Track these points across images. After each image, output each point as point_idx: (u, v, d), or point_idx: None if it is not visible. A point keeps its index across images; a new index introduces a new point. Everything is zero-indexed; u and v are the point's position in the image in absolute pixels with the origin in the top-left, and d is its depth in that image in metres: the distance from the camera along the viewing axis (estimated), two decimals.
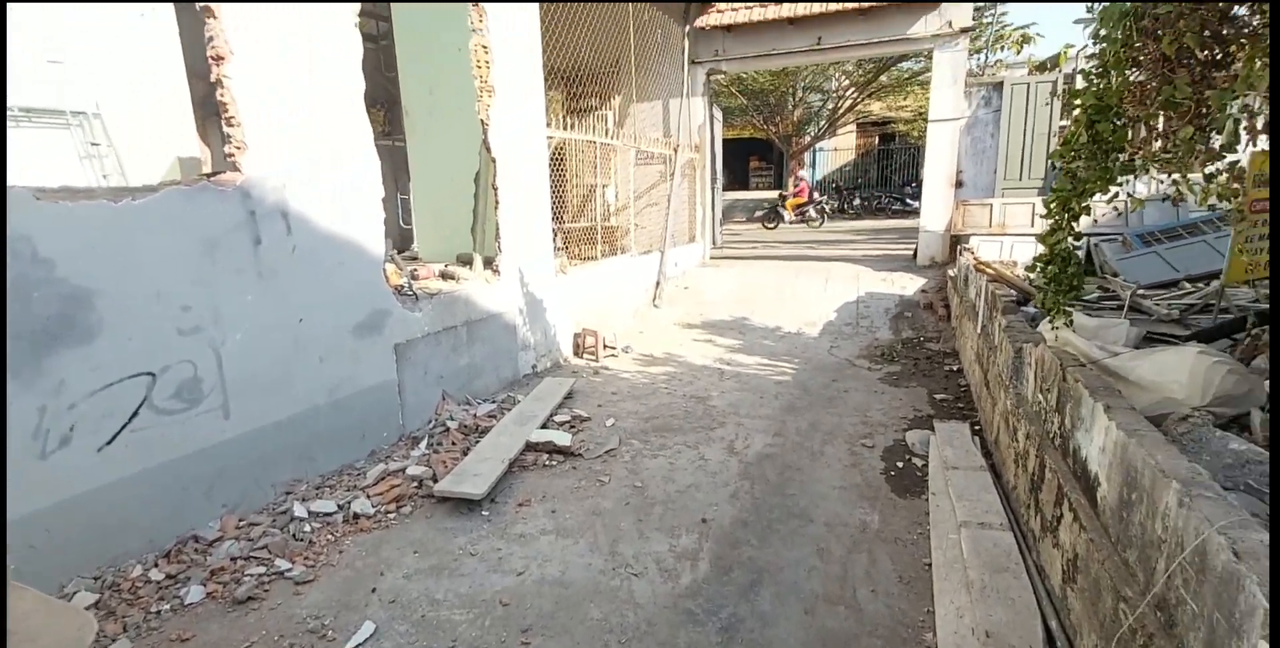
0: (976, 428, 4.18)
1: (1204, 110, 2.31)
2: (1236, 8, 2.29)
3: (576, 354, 6.49)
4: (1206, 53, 2.32)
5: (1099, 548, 2.09)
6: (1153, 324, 4.02)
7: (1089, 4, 2.62)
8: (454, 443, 4.16)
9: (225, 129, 3.22)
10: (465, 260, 5.59)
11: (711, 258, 10.32)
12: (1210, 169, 2.49)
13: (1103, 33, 2.57)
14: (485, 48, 5.02)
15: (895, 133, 20.19)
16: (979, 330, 4.74)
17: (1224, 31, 2.30)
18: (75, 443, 2.63)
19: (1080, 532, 2.27)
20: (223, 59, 3.14)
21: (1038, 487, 2.84)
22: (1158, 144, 2.65)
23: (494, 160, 5.17)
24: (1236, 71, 2.24)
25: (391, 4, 6.02)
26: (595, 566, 2.96)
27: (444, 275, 5.13)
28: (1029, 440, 3.03)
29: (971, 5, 8.05)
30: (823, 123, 17.97)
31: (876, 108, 18.92)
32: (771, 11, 9.00)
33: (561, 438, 4.15)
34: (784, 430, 4.44)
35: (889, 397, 5.06)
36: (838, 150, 21.62)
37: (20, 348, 2.43)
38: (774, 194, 21.58)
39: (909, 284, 7.79)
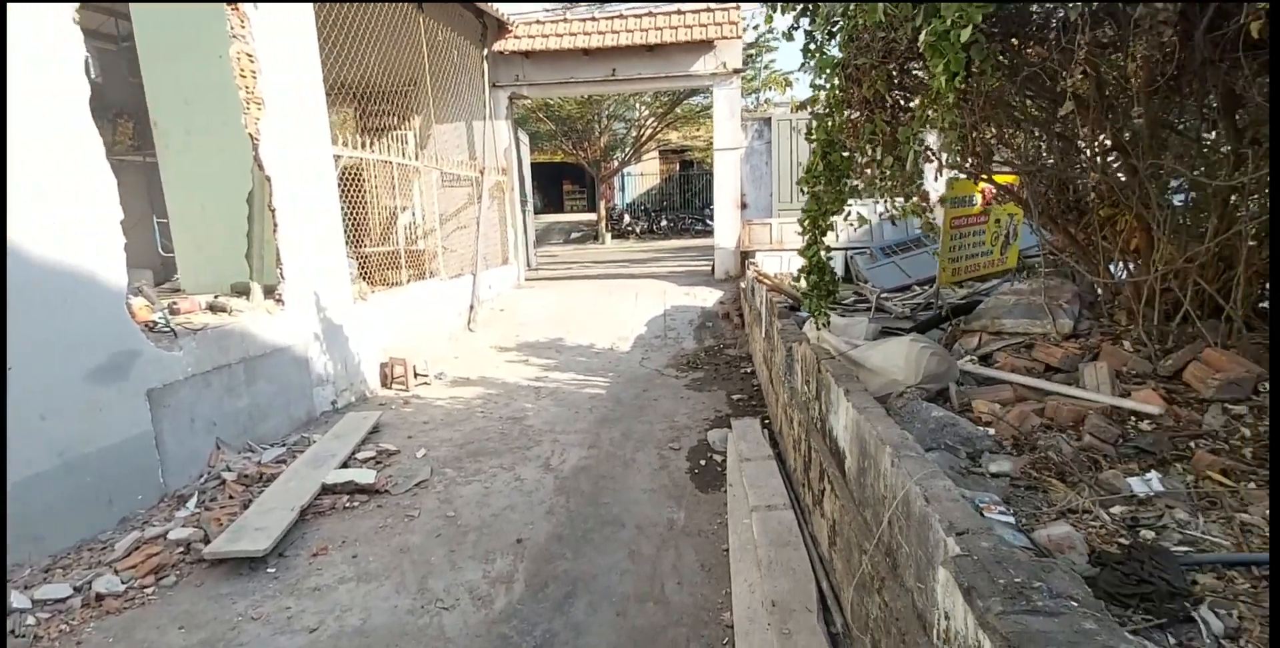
0: (766, 422, 4.66)
1: (898, 143, 2.86)
2: (911, 64, 2.89)
3: (385, 385, 6.09)
4: (895, 96, 2.87)
5: (848, 512, 2.45)
6: (892, 321, 4.81)
7: (806, 57, 3.12)
8: (231, 497, 3.67)
9: None
10: (241, 290, 5.00)
11: (527, 280, 10.32)
12: (905, 192, 3.07)
13: (818, 82, 3.07)
14: (250, 56, 4.59)
15: (693, 160, 21.92)
16: (764, 334, 5.30)
17: (904, 81, 2.88)
18: None
19: (836, 500, 2.64)
20: None
21: (809, 467, 3.24)
22: (870, 171, 3.22)
23: (269, 179, 4.72)
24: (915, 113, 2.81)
25: (129, 2, 5.27)
26: (402, 606, 2.79)
27: (213, 308, 4.54)
28: (800, 427, 3.45)
29: (740, 48, 9.09)
30: (628, 149, 18.96)
31: (675, 137, 20.40)
32: (567, 41, 9.36)
33: (364, 476, 3.86)
34: (598, 442, 4.56)
35: (693, 401, 5.44)
36: (644, 175, 22.92)
37: None
38: (588, 216, 22.27)
39: (709, 297, 8.48)
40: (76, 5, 3.39)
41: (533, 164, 12.84)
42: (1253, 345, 2.53)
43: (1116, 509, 1.99)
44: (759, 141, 9.36)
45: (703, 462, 4.18)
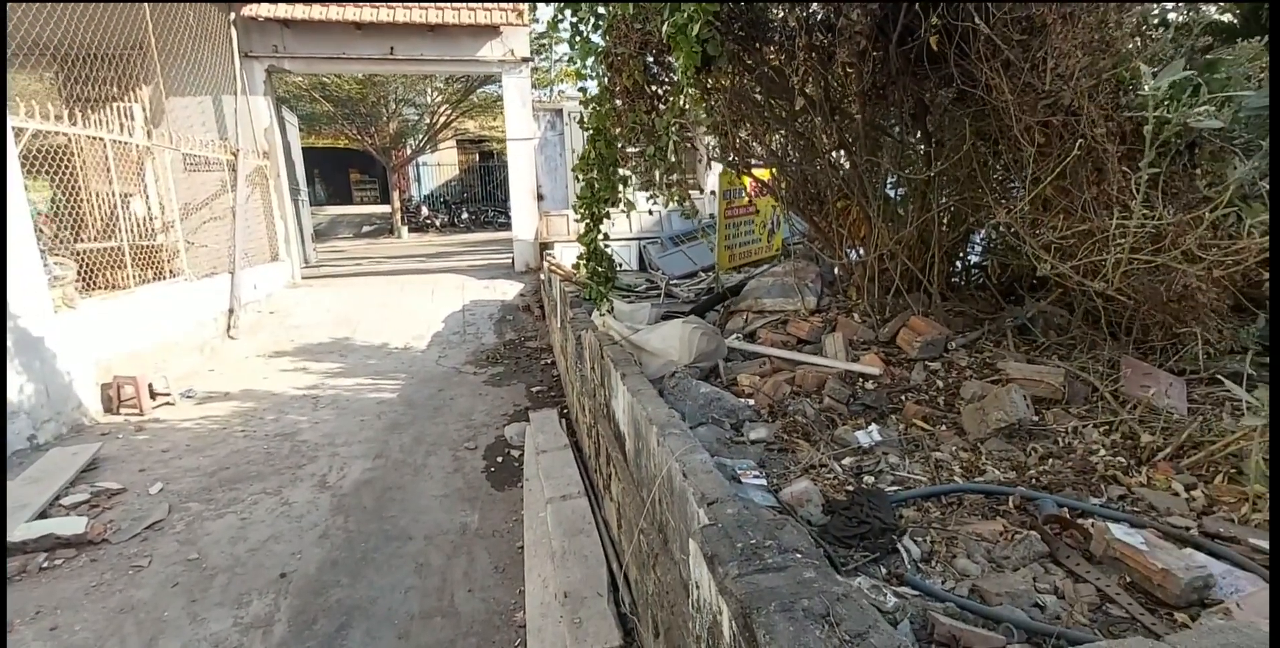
0: (565, 412, 4.64)
1: (657, 131, 2.95)
2: (666, 56, 3.00)
3: (111, 410, 5.01)
4: (651, 88, 2.96)
5: (629, 493, 2.50)
6: (678, 305, 5.06)
7: (571, 46, 3.10)
8: None
9: None
10: None
11: (304, 278, 9.21)
12: (669, 180, 3.20)
13: (583, 70, 3.07)
14: None
15: (493, 151, 21.31)
16: (560, 324, 5.28)
17: (660, 73, 2.98)
18: None
19: (619, 483, 2.69)
20: None
21: (599, 452, 3.27)
22: (637, 160, 3.31)
23: None
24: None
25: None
26: None
27: None
28: (591, 414, 3.47)
29: (528, 36, 8.94)
30: (421, 137, 17.82)
31: (472, 126, 19.62)
32: (335, 12, 8.44)
33: (69, 526, 3.12)
34: (386, 451, 4.20)
35: (492, 397, 5.25)
36: (441, 165, 21.76)
37: None
38: (381, 209, 20.60)
39: (509, 290, 8.27)
40: None
41: (314, 150, 11.50)
42: (945, 313, 3.05)
43: (847, 461, 2.26)
44: (552, 133, 9.31)
45: (500, 459, 4.04)
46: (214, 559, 3.01)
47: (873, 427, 2.44)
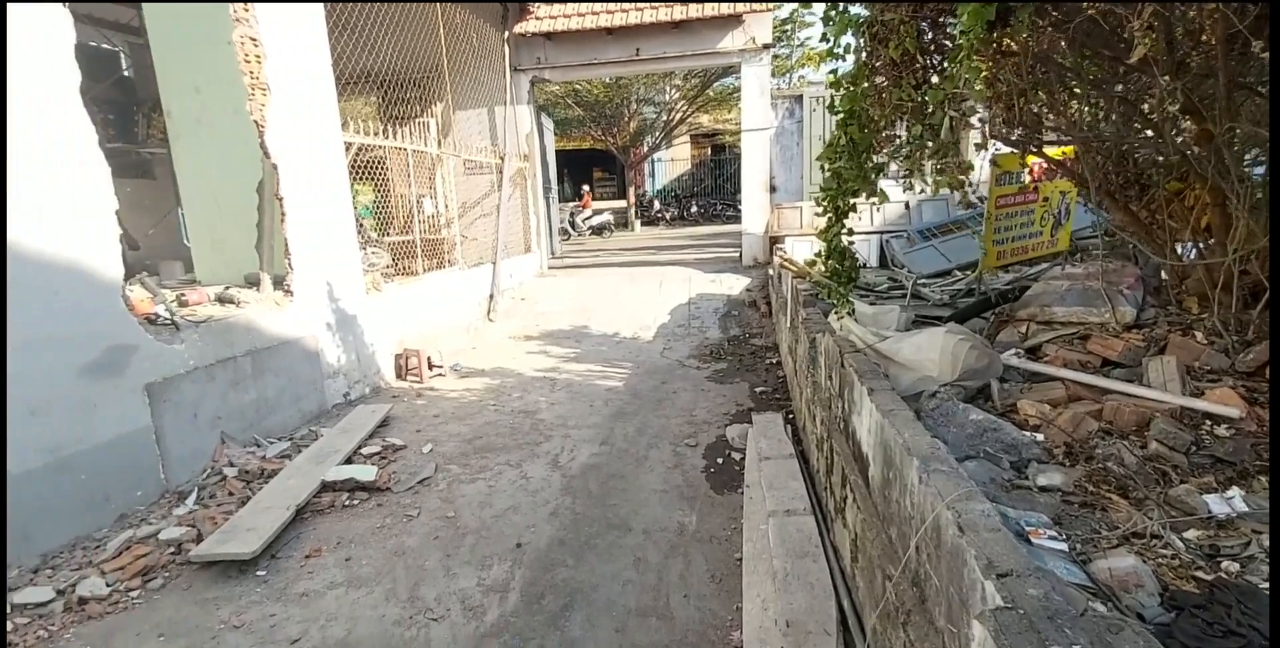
0: (790, 417, 4.36)
1: (927, 109, 2.52)
2: (946, 18, 2.54)
3: (400, 377, 5.99)
4: (924, 58, 2.53)
5: (871, 527, 2.17)
6: (929, 309, 4.44)
7: (827, 24, 2.77)
8: (231, 494, 3.58)
9: None
10: (253, 281, 4.92)
11: (550, 268, 10.15)
12: (940, 164, 2.73)
13: (831, 40, 2.74)
14: (254, 40, 4.46)
15: (725, 144, 21.39)
16: (789, 324, 4.99)
17: (937, 37, 2.53)
18: None
19: (859, 512, 2.36)
20: None
21: (831, 470, 2.95)
22: (896, 143, 2.88)
23: (275, 167, 4.60)
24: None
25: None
26: (390, 616, 2.62)
27: (221, 299, 4.46)
28: (823, 426, 3.16)
29: (771, 22, 8.65)
30: (658, 134, 18.57)
31: (706, 120, 19.90)
32: (590, 21, 9.07)
33: (364, 473, 3.73)
34: (611, 438, 4.35)
35: (714, 394, 5.17)
36: (675, 160, 22.49)
37: None
38: (617, 204, 21.97)
39: (735, 284, 8.15)
40: None
41: (562, 151, 12.65)
42: None
43: (1191, 534, 1.68)
44: (790, 121, 8.92)
45: (720, 460, 3.93)
46: (466, 520, 3.35)
47: (1232, 490, 1.80)
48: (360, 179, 6.60)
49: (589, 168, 25.35)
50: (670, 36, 8.90)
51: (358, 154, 6.02)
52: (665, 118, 18.09)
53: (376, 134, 6.15)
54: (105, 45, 8.78)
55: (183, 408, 3.79)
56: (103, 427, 3.31)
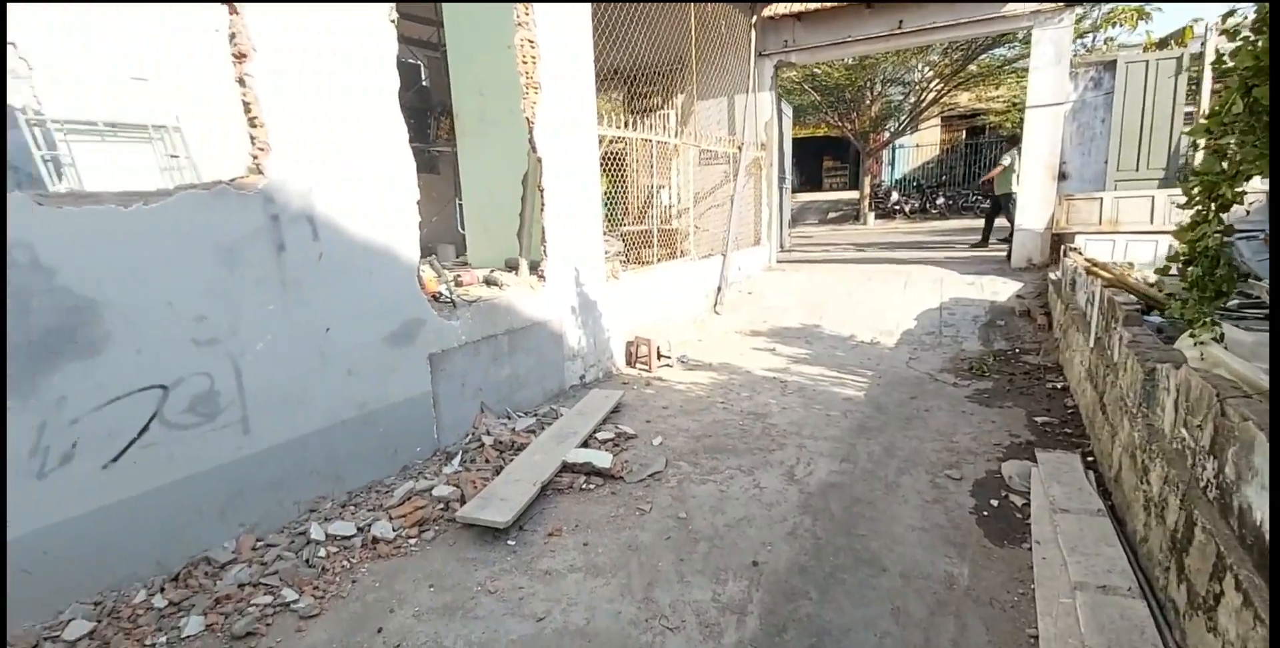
0: (1090, 460, 3.51)
1: None
2: None
3: (629, 364, 6.15)
4: None
5: None
6: None
7: None
8: (487, 461, 3.89)
9: (249, 130, 3.08)
10: (512, 265, 5.36)
11: (778, 261, 9.75)
12: None
13: None
14: (531, 42, 4.78)
15: (985, 125, 18.77)
16: (1091, 343, 4.03)
17: None
18: (77, 460, 2.50)
19: (1256, 623, 1.69)
20: (245, 57, 2.99)
21: (1182, 548, 2.22)
22: None
23: (539, 160, 4.91)
24: None
25: (441, 4, 5.91)
26: (625, 615, 2.57)
27: (488, 281, 4.91)
28: (1168, 486, 2.40)
29: None
30: (903, 118, 16.90)
31: (964, 99, 17.63)
32: None
33: (601, 459, 3.80)
34: (853, 455, 3.91)
35: (979, 418, 4.40)
36: (920, 147, 20.36)
37: (17, 362, 2.31)
38: (848, 195, 20.59)
39: (1002, 289, 6.97)
40: (393, 5, 3.74)
41: (793, 140, 12.10)
42: None
43: None
44: (1094, 93, 7.33)
45: (994, 502, 3.28)
46: (698, 524, 3.21)
47: None
48: (602, 170, 6.88)
49: (819, 156, 24.17)
50: (941, 4, 7.85)
51: (605, 146, 6.25)
52: (914, 99, 16.38)
53: (624, 126, 6.32)
54: (410, 60, 10.38)
55: (454, 378, 4.22)
56: (397, 389, 3.79)
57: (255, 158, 3.11)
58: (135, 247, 2.63)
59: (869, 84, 16.03)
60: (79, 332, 2.47)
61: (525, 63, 4.79)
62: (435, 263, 4.56)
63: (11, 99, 5.47)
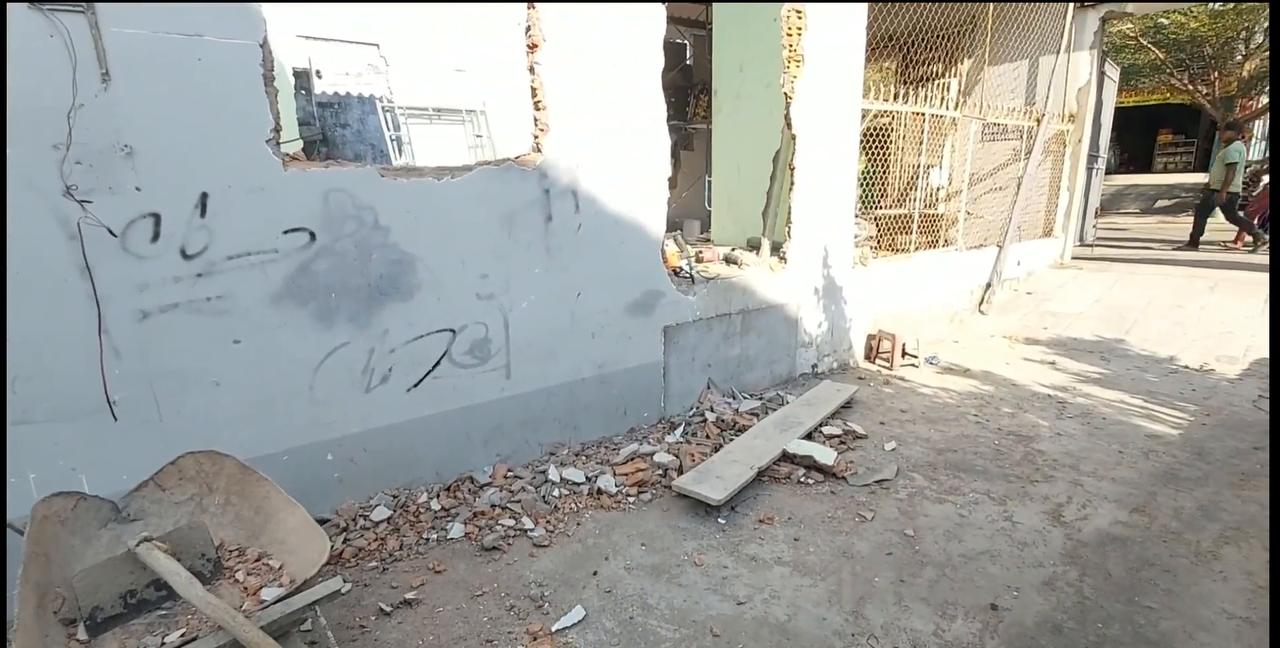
0: None
1: None
2: None
3: (868, 358, 5.71)
4: None
5: None
6: None
7: None
8: (708, 436, 3.95)
9: (534, 112, 3.45)
10: (754, 245, 5.29)
11: (1073, 258, 8.13)
12: None
13: None
14: (799, 12, 4.55)
15: None
16: None
17: None
18: (391, 382, 3.12)
19: None
20: (536, 46, 3.34)
21: None
22: None
23: (794, 137, 4.71)
24: None
25: None
26: (830, 623, 2.42)
27: (727, 260, 4.91)
28: None
29: None
30: None
31: None
32: None
33: (824, 454, 3.60)
34: (1151, 507, 3.12)
35: None
36: None
37: (360, 299, 2.94)
38: (1190, 179, 16.30)
39: None
40: None
41: (1117, 109, 9.87)
42: None
43: None
44: None
45: None
46: (927, 546, 2.88)
47: None
48: (861, 147, 6.35)
49: (1151, 130, 19.49)
50: None
51: (868, 121, 5.75)
52: None
53: (892, 99, 5.74)
54: (677, 40, 10.72)
55: (685, 351, 4.33)
56: (632, 355, 4.02)
57: (536, 138, 3.47)
58: (444, 212, 3.14)
59: (1244, 33, 12.31)
60: (401, 279, 3.05)
61: (790, 34, 4.59)
62: (679, 238, 4.70)
63: (371, 90, 6.97)
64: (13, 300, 2.25)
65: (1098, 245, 9.14)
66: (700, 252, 4.94)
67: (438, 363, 3.26)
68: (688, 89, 10.37)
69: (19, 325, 2.28)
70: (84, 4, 2.22)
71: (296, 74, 7.16)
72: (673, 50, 10.25)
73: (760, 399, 4.60)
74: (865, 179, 6.91)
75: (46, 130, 2.24)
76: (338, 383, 2.96)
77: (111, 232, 2.38)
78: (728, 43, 5.73)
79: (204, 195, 2.53)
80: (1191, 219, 9.60)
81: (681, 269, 4.37)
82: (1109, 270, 7.41)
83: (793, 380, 5.10)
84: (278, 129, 2.67)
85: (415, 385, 3.21)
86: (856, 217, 6.09)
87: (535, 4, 3.28)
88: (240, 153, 2.58)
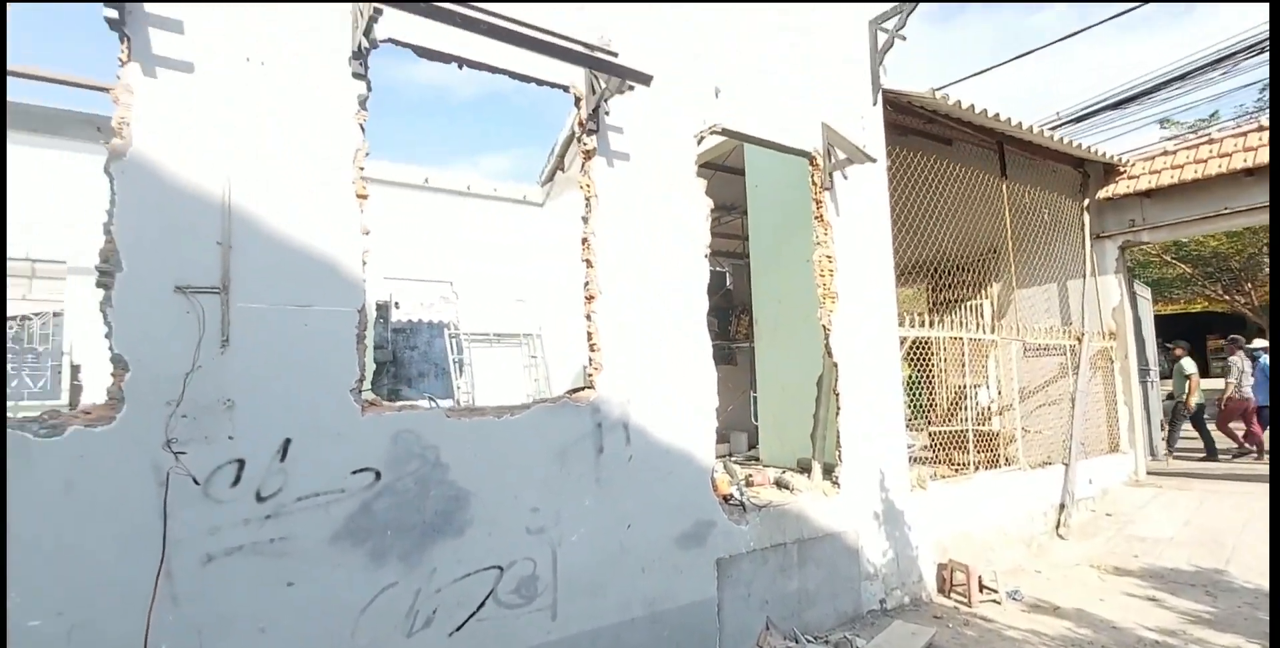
0: None
1: None
2: None
3: (942, 592, 5.19)
4: None
5: None
6: None
7: None
8: None
9: (589, 353, 3.84)
10: (804, 467, 5.26)
11: (1149, 473, 7.63)
12: None
13: None
14: (829, 257, 5.15)
15: None
16: None
17: None
18: (434, 625, 3.03)
19: None
20: (593, 298, 3.86)
21: None
22: None
23: (836, 365, 4.97)
24: None
25: (746, 223, 6.85)
26: None
27: (779, 483, 4.87)
28: None
29: None
30: None
31: None
32: (1213, 166, 7.25)
33: None
34: None
35: None
36: None
37: (413, 536, 3.02)
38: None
39: None
40: (707, 250, 4.48)
41: (1159, 317, 10.06)
42: None
43: None
44: None
45: None
46: None
47: None
48: (904, 357, 6.57)
49: (1199, 335, 19.43)
50: None
51: (907, 343, 6.05)
52: None
53: (930, 325, 6.09)
54: (717, 269, 11.99)
55: (740, 586, 4.08)
56: (684, 591, 3.82)
57: (590, 375, 3.81)
58: (501, 448, 3.35)
59: (1263, 250, 12.92)
60: (455, 515, 3.15)
61: (823, 276, 5.14)
62: (729, 464, 4.75)
63: (441, 317, 7.93)
64: (83, 546, 2.37)
65: (1175, 460, 8.60)
66: (750, 476, 4.94)
67: (482, 603, 3.19)
68: (729, 310, 11.26)
69: (79, 575, 2.37)
70: (219, 287, 2.64)
71: (379, 306, 8.27)
72: (714, 278, 11.38)
73: (827, 642, 4.16)
74: (911, 394, 7.01)
75: (163, 391, 2.52)
76: (381, 627, 2.90)
77: (195, 480, 2.55)
78: (765, 277, 6.41)
79: (287, 441, 2.76)
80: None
81: (732, 496, 4.34)
82: (1190, 489, 6.87)
83: (859, 618, 4.63)
84: (361, 378, 3.03)
85: (458, 629, 3.10)
86: (907, 426, 6.07)
87: (592, 262, 3.86)
88: (326, 402, 2.87)
